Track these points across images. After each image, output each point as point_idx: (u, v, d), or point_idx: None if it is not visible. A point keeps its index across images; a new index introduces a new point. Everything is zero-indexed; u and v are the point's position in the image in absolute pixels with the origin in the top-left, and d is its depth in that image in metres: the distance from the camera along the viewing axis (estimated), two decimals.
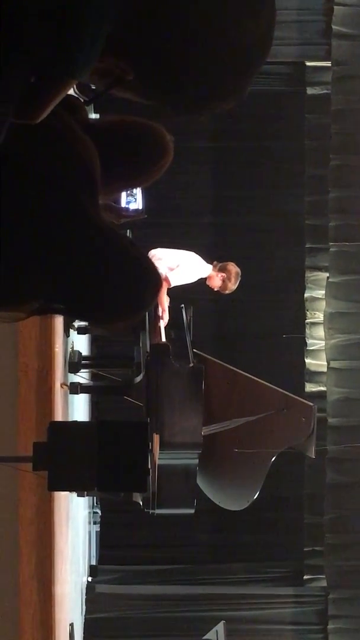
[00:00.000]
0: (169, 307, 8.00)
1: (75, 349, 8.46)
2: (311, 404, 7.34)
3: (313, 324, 12.12)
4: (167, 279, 8.06)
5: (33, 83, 1.50)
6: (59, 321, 7.18)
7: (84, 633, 10.96)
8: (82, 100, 1.83)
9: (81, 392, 8.21)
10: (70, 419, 8.03)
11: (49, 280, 1.80)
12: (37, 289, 1.81)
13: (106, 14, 1.46)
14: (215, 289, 8.42)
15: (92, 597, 11.43)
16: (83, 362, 8.48)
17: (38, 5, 1.44)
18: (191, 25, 1.49)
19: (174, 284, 8.13)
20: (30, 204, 1.72)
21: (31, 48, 1.45)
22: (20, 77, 1.46)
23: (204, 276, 8.32)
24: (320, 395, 11.68)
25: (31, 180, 1.71)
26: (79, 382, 8.04)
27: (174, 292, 8.26)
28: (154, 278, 1.89)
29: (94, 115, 8.91)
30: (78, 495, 8.52)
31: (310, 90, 11.99)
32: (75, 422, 7.90)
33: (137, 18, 1.49)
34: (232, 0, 1.50)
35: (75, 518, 8.91)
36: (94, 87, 1.64)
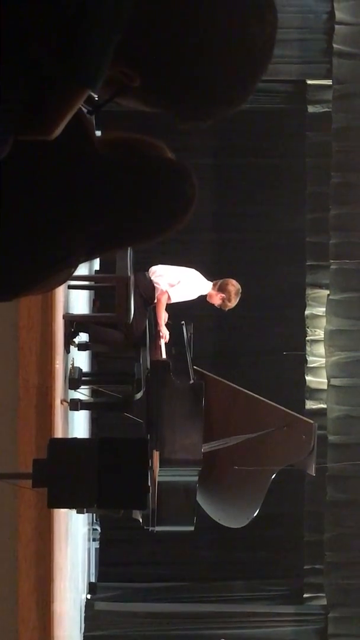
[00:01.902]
0: (169, 323, 8.01)
1: (75, 365, 8.46)
2: (311, 421, 7.33)
3: (313, 341, 12.12)
4: (167, 294, 8.07)
5: (44, 95, 1.49)
6: (59, 338, 7.18)
7: None
8: (86, 110, 1.80)
9: (81, 409, 8.21)
10: (70, 436, 8.02)
11: (81, 223, 1.76)
12: (72, 237, 1.78)
13: (118, 20, 1.46)
14: (216, 305, 8.44)
15: (91, 614, 11.39)
16: (83, 378, 8.47)
17: (47, 12, 1.43)
18: (199, 29, 1.49)
19: (174, 299, 8.14)
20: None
21: (38, 58, 1.44)
22: (23, 88, 1.45)
23: (204, 293, 8.34)
24: (321, 413, 11.67)
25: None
26: (79, 399, 8.03)
27: (174, 309, 8.27)
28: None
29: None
30: (77, 512, 8.50)
31: (311, 109, 12.03)
32: (75, 438, 7.90)
33: (144, 24, 1.49)
34: (239, 6, 1.51)
35: (74, 535, 8.89)
36: (96, 97, 1.63)
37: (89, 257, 1.91)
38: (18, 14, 1.41)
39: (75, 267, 1.89)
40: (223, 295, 8.24)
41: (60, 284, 1.91)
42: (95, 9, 1.44)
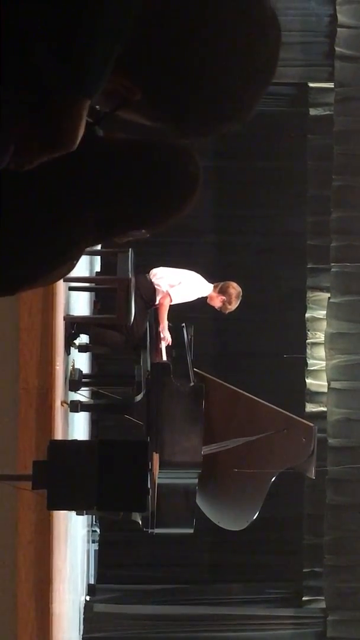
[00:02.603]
0: (170, 325, 8.01)
1: (76, 366, 8.45)
2: (312, 424, 7.33)
3: (314, 344, 12.11)
4: (169, 296, 8.08)
5: (45, 105, 1.47)
6: (60, 339, 7.18)
7: None
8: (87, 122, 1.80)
9: (81, 410, 8.20)
10: (70, 437, 8.01)
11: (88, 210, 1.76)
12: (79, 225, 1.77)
13: (118, 31, 1.45)
14: (216, 308, 8.44)
15: (90, 616, 11.38)
16: (84, 380, 8.47)
17: (48, 20, 1.42)
18: (202, 45, 1.49)
19: (175, 300, 8.14)
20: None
21: (38, 67, 1.43)
22: (23, 98, 1.44)
23: (204, 295, 8.33)
24: (321, 416, 11.66)
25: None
26: (79, 400, 8.03)
27: (175, 311, 8.27)
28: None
29: None
30: (77, 514, 8.50)
31: (313, 111, 12.03)
32: (75, 440, 7.89)
33: (147, 37, 1.49)
34: (243, 22, 1.50)
35: (74, 537, 8.89)
36: (98, 109, 1.63)
37: (95, 243, 1.91)
38: (19, 22, 1.41)
39: (79, 257, 1.89)
40: (224, 297, 8.24)
41: (64, 275, 1.90)
42: (95, 18, 1.43)
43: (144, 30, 1.47)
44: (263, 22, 1.53)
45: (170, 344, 7.80)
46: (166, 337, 7.81)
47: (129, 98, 1.53)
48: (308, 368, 12.11)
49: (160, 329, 7.86)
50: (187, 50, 1.48)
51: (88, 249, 1.93)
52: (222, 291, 8.26)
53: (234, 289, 8.28)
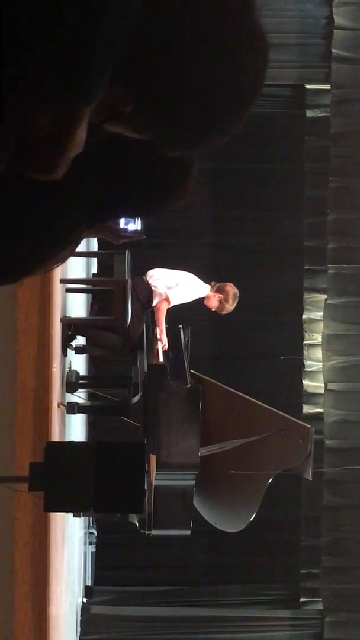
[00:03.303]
0: (167, 327, 8.01)
1: (72, 368, 8.45)
2: (308, 425, 7.33)
3: (311, 345, 12.12)
4: (167, 299, 8.08)
5: (42, 112, 1.46)
6: (56, 341, 7.18)
7: None
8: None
9: (78, 412, 8.20)
10: (67, 439, 8.01)
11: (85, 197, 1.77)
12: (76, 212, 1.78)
13: (118, 35, 1.45)
14: (213, 309, 8.43)
15: (87, 618, 11.38)
16: (80, 382, 8.47)
17: (42, 29, 1.42)
18: (194, 58, 1.49)
19: (173, 302, 8.14)
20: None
21: (35, 71, 1.43)
22: (19, 103, 1.44)
23: (201, 296, 8.34)
24: (318, 417, 11.66)
25: None
26: (76, 402, 8.03)
27: (172, 312, 8.27)
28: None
29: None
30: (74, 516, 8.50)
31: (309, 113, 12.04)
32: (72, 442, 7.89)
33: (141, 48, 1.49)
34: (233, 35, 1.51)
35: (71, 538, 8.88)
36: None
37: (90, 227, 1.92)
38: (16, 26, 1.40)
39: (80, 241, 1.90)
40: (221, 295, 8.23)
41: (65, 260, 1.90)
42: (96, 20, 1.43)
43: (136, 40, 1.48)
44: (252, 35, 1.55)
45: (166, 349, 7.80)
46: (164, 342, 7.81)
47: (120, 110, 1.53)
48: (305, 369, 12.11)
49: (159, 333, 7.86)
50: (179, 62, 1.49)
51: (86, 250, 1.94)
52: (220, 290, 8.26)
53: (232, 288, 8.29)
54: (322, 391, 11.90)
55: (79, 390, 8.33)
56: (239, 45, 1.52)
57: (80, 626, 11.18)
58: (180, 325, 7.93)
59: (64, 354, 7.95)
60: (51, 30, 1.41)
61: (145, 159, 1.79)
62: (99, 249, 9.78)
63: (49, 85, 1.45)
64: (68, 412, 7.83)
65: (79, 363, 9.31)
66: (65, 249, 1.82)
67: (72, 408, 7.84)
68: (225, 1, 1.52)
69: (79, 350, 8.67)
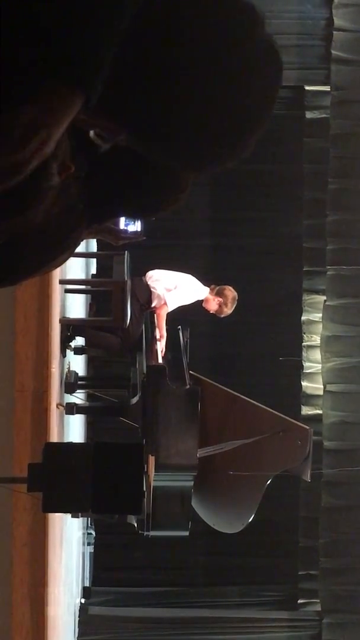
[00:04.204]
0: (166, 329, 8.01)
1: (71, 369, 8.45)
2: (307, 427, 7.32)
3: (310, 346, 12.11)
4: (166, 304, 8.09)
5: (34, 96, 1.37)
6: (55, 342, 7.18)
7: None
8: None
9: (77, 413, 8.20)
10: (65, 440, 8.01)
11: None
12: None
13: (116, 25, 1.36)
14: (212, 312, 8.44)
15: (85, 619, 11.37)
16: (79, 382, 8.47)
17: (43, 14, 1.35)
18: (197, 84, 1.40)
19: (172, 307, 8.15)
20: None
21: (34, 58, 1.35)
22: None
23: (200, 298, 8.34)
24: (317, 419, 11.66)
25: None
26: (75, 403, 8.03)
27: (171, 313, 8.27)
28: None
29: None
30: (72, 517, 8.49)
31: (309, 115, 12.04)
32: (71, 443, 7.89)
33: (132, 75, 1.41)
34: (235, 58, 1.43)
35: (69, 539, 8.88)
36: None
37: (88, 228, 1.91)
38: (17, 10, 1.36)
39: (78, 244, 1.89)
40: (220, 299, 8.25)
41: (63, 262, 1.89)
42: (92, 9, 1.36)
43: (128, 68, 1.39)
44: (258, 57, 1.45)
45: (164, 354, 7.81)
46: (163, 348, 7.82)
47: (111, 140, 1.48)
48: (304, 371, 12.11)
49: (159, 338, 7.86)
50: (175, 87, 1.40)
51: (86, 251, 1.94)
52: (219, 293, 8.27)
53: (230, 291, 8.30)
54: (320, 392, 11.90)
55: (78, 391, 8.33)
56: (241, 68, 1.41)
57: (78, 627, 11.18)
58: (179, 326, 7.93)
59: (63, 354, 7.95)
60: (34, 25, 1.33)
61: (145, 164, 1.76)
62: (98, 249, 9.78)
63: (30, 77, 1.35)
64: (67, 413, 7.83)
65: (77, 364, 9.31)
66: (64, 253, 1.81)
67: (71, 409, 7.85)
68: (225, 18, 1.40)
69: (77, 350, 8.67)
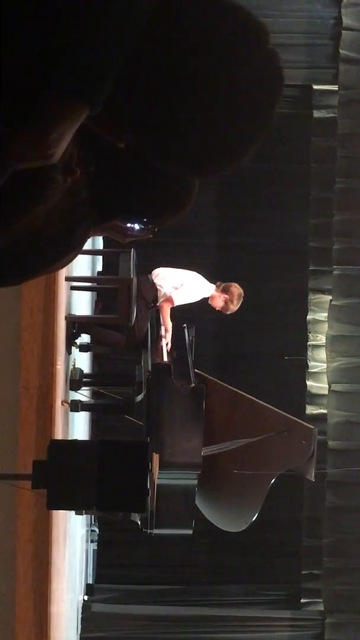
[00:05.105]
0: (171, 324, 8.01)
1: (77, 366, 8.45)
2: (312, 426, 7.32)
3: (315, 346, 12.11)
4: (171, 299, 8.07)
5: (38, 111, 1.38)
6: (61, 339, 7.18)
7: None
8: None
9: (82, 410, 8.21)
10: (70, 437, 8.01)
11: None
12: None
13: (123, 39, 1.38)
14: (217, 309, 8.43)
15: (88, 616, 11.38)
16: (84, 379, 8.47)
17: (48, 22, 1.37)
18: (201, 92, 1.42)
19: (177, 303, 8.14)
20: None
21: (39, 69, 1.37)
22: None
23: (206, 296, 8.34)
24: (321, 418, 11.65)
25: None
26: (79, 400, 8.03)
27: (176, 312, 8.27)
28: None
29: None
30: (76, 514, 8.50)
31: (316, 114, 12.02)
32: (76, 440, 7.89)
33: (136, 85, 1.42)
34: (243, 72, 1.44)
35: (72, 536, 8.88)
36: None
37: (93, 227, 1.92)
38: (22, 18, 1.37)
39: (84, 244, 1.89)
40: (226, 296, 8.24)
41: (69, 263, 1.89)
42: (101, 20, 1.37)
43: (132, 79, 1.40)
44: (263, 69, 1.48)
45: (169, 350, 7.80)
46: (168, 342, 7.81)
47: (115, 145, 1.49)
48: (309, 370, 12.10)
49: (165, 334, 7.86)
50: (179, 98, 1.41)
51: (92, 248, 1.95)
52: (225, 290, 8.27)
53: (236, 288, 8.30)
54: (325, 392, 11.89)
55: (83, 388, 8.33)
56: (250, 79, 1.43)
57: (81, 624, 11.18)
58: (185, 325, 7.93)
59: (68, 351, 7.95)
60: (55, 26, 1.36)
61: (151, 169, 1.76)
62: (104, 247, 9.77)
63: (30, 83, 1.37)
64: (72, 410, 7.83)
65: (83, 361, 9.31)
66: (69, 253, 1.81)
67: (76, 406, 7.85)
68: (231, 31, 1.42)
69: (83, 348, 8.67)
